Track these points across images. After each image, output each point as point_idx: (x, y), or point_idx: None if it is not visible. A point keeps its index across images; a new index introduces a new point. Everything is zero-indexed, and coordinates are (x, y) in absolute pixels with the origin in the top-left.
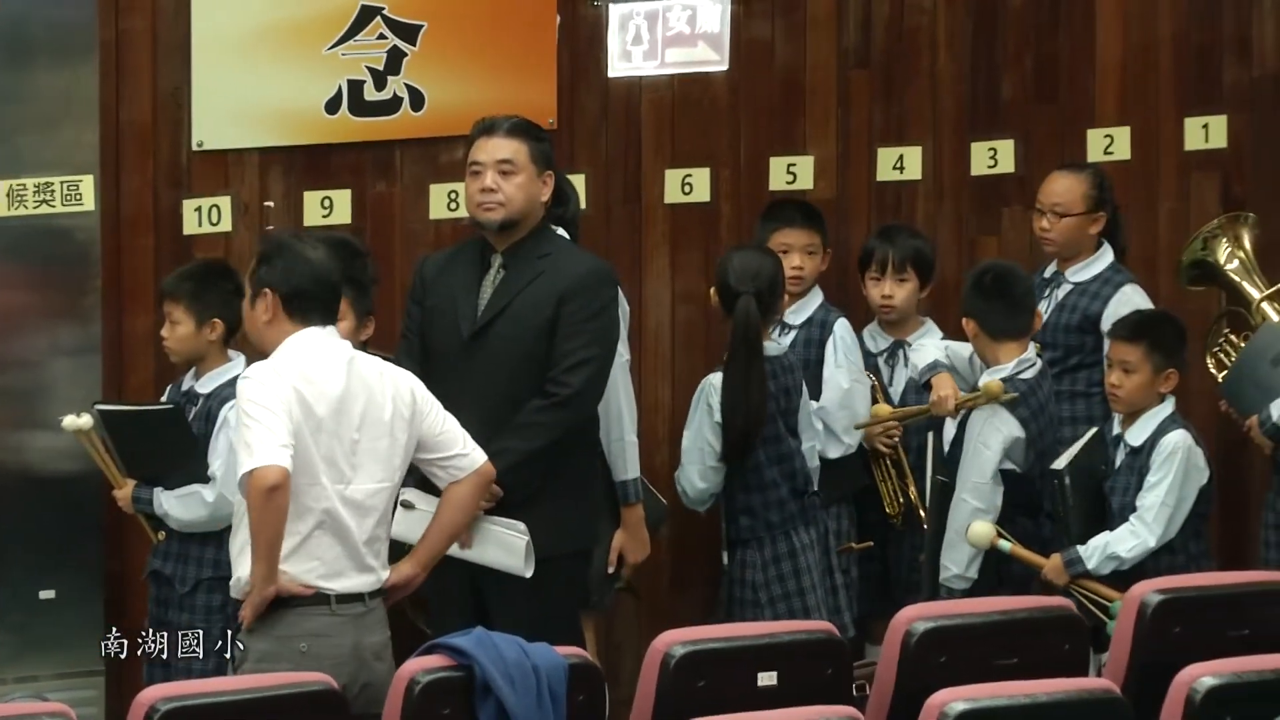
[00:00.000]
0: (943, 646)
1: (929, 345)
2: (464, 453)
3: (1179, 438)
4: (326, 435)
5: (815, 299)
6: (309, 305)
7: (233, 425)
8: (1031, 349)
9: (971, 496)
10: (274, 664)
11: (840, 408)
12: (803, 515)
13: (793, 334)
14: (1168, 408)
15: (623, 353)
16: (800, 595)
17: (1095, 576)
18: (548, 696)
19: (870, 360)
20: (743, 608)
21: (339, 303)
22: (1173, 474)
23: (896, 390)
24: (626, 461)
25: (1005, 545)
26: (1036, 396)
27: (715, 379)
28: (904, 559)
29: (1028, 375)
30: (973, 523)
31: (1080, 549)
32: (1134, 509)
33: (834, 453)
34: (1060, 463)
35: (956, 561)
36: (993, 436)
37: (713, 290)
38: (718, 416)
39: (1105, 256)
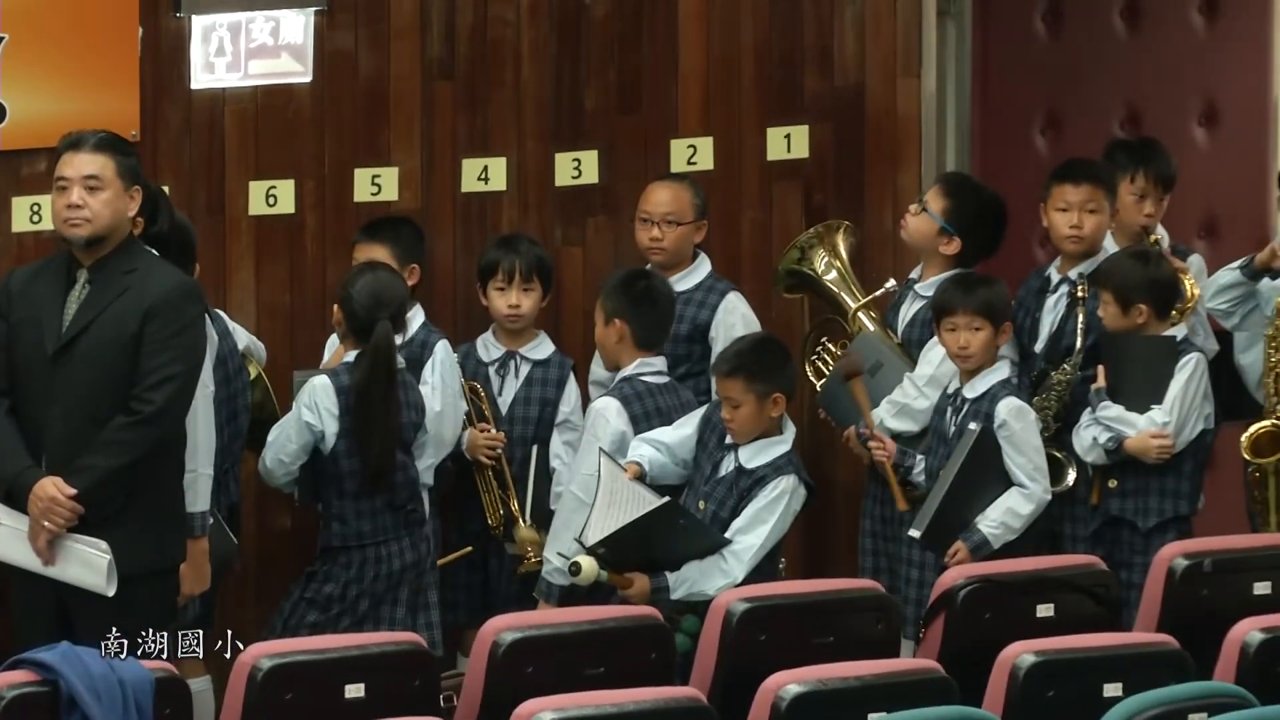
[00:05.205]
0: (530, 656)
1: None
2: None
3: (790, 483)
4: None
5: (418, 317)
6: None
7: None
8: (660, 359)
9: (579, 489)
10: None
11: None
12: (396, 529)
13: None
14: (786, 441)
15: (208, 384)
16: (389, 605)
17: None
18: (134, 710)
19: (482, 370)
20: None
21: None
22: (776, 518)
23: (505, 400)
24: (198, 494)
25: (604, 575)
26: (654, 400)
27: (320, 381)
28: (505, 570)
29: (649, 379)
30: (580, 560)
31: (670, 577)
32: (725, 523)
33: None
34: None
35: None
36: (602, 429)
37: (336, 308)
38: (306, 417)
39: (704, 265)
